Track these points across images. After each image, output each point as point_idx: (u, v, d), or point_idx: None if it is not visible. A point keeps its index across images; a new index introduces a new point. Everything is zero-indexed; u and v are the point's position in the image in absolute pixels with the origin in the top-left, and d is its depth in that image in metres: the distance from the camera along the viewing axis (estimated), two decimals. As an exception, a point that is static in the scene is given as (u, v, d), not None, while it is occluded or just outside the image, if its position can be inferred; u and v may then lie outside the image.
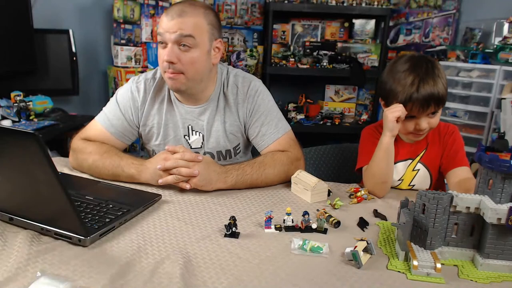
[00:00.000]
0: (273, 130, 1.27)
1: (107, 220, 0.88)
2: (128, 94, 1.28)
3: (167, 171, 1.09)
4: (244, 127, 1.31)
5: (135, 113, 1.28)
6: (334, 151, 1.63)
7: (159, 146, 1.32)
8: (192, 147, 1.31)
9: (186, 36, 1.12)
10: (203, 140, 1.30)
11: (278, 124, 1.28)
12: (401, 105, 1.13)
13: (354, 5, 2.95)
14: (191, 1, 1.18)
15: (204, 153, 1.31)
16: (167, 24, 1.13)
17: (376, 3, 2.98)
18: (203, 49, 1.16)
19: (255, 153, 1.37)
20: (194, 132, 1.30)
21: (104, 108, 1.30)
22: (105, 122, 1.26)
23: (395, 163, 1.22)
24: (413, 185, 1.28)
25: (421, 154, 1.27)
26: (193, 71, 1.16)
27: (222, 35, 1.26)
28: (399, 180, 1.27)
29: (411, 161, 1.27)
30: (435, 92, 1.13)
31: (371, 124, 1.38)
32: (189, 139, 1.30)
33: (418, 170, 1.27)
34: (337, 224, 0.94)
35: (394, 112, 1.13)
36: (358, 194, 1.12)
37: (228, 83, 1.29)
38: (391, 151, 1.17)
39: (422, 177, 1.27)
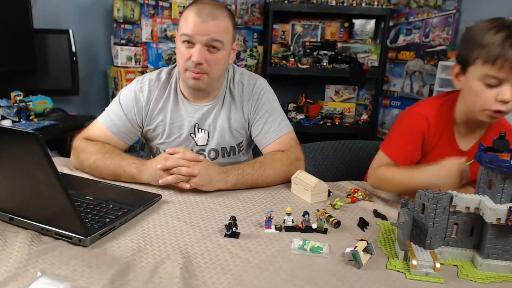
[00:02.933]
0: (275, 128, 1.28)
1: (107, 220, 0.88)
2: (132, 94, 1.28)
3: (167, 171, 1.09)
4: (248, 124, 1.32)
5: (139, 113, 1.28)
6: (334, 148, 1.63)
7: (163, 144, 1.33)
8: (198, 144, 1.31)
9: (216, 41, 1.15)
10: (209, 137, 1.31)
11: (281, 123, 1.29)
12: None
13: (354, 5, 2.95)
14: (213, 1, 1.20)
15: (210, 150, 1.32)
16: (199, 26, 1.13)
17: (376, 3, 2.98)
18: (226, 51, 1.20)
19: (256, 153, 1.37)
20: (200, 130, 1.30)
21: (106, 108, 1.30)
22: (107, 122, 1.26)
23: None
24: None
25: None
26: (216, 71, 1.20)
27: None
28: None
29: None
30: None
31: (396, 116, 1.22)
32: (195, 136, 1.31)
33: None
34: (337, 224, 0.94)
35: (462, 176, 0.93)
36: (355, 195, 1.11)
37: (234, 81, 1.31)
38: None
39: None
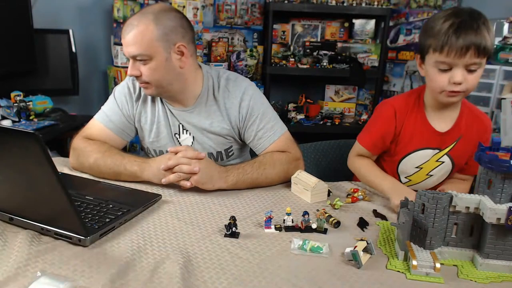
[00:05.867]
0: (269, 133, 1.26)
1: (107, 220, 0.88)
2: (125, 90, 1.30)
3: (169, 170, 1.09)
4: (239, 132, 1.30)
5: (132, 108, 1.29)
6: (334, 147, 1.63)
7: (152, 143, 1.33)
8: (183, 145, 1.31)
9: (136, 55, 1.13)
10: (193, 140, 1.30)
11: (274, 126, 1.27)
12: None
13: (354, 5, 2.95)
14: (146, 8, 1.16)
15: None
16: (123, 42, 1.15)
17: (376, 3, 2.97)
18: (159, 58, 1.14)
19: (253, 155, 1.36)
20: (184, 131, 1.30)
21: (102, 107, 1.31)
22: (103, 119, 1.27)
23: (419, 149, 1.21)
24: (432, 175, 1.25)
25: (450, 146, 1.21)
26: (155, 80, 1.17)
27: (189, 36, 1.19)
28: (416, 168, 1.24)
29: (438, 151, 1.21)
30: (476, 38, 1.00)
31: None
32: (179, 137, 1.31)
33: (443, 162, 1.23)
34: (337, 224, 0.94)
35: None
36: (355, 194, 1.12)
37: (219, 87, 1.27)
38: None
39: (443, 169, 1.24)
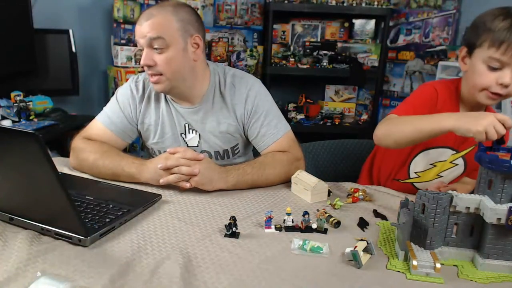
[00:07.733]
0: (272, 130, 1.26)
1: (107, 220, 0.88)
2: (128, 92, 1.29)
3: (168, 170, 1.09)
4: (243, 128, 1.30)
5: (134, 110, 1.29)
6: (334, 147, 1.63)
7: (157, 144, 1.32)
8: (189, 145, 1.31)
9: (155, 39, 1.13)
10: (200, 138, 1.30)
11: (278, 124, 1.28)
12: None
13: (354, 5, 2.95)
14: (162, 2, 1.18)
15: (201, 152, 1.31)
16: (138, 30, 1.15)
17: (376, 3, 2.98)
18: (177, 48, 1.15)
19: (256, 153, 1.37)
20: (190, 131, 1.30)
21: (104, 108, 1.31)
22: (105, 120, 1.27)
23: (440, 147, 1.16)
24: (441, 176, 1.21)
25: (469, 149, 1.16)
26: (170, 70, 1.17)
27: (203, 31, 1.22)
28: (431, 164, 1.21)
29: (455, 152, 1.18)
30: None
31: (394, 108, 1.19)
32: (185, 137, 1.30)
33: (457, 165, 1.19)
34: (337, 224, 0.94)
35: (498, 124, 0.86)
36: (356, 194, 1.12)
37: (225, 83, 1.28)
38: (431, 138, 1.02)
39: (454, 171, 1.21)
